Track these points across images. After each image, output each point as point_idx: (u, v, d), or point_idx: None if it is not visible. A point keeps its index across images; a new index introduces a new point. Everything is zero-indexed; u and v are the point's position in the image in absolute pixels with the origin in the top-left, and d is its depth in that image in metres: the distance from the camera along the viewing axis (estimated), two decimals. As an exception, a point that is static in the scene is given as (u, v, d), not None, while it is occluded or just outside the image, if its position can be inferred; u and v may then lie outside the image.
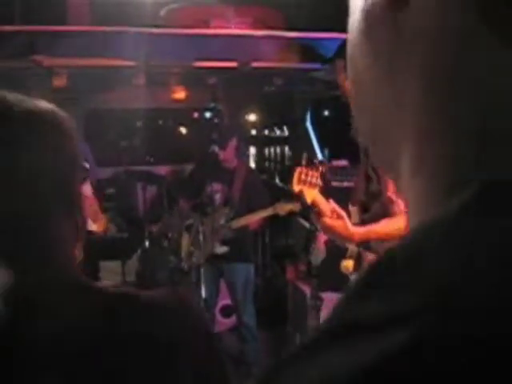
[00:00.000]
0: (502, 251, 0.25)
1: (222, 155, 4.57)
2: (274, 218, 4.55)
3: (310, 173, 2.76)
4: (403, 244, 0.28)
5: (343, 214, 2.67)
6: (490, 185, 0.27)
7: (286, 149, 9.41)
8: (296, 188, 2.77)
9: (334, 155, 5.45)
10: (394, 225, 2.54)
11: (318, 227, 2.77)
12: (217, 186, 4.62)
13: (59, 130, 0.94)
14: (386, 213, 2.63)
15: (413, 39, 0.32)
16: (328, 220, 2.65)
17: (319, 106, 6.32)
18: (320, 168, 2.80)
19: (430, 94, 0.31)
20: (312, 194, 2.74)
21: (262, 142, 9.39)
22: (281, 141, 9.59)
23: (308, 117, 6.36)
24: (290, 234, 5.74)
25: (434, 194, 0.31)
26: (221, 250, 4.48)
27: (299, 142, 6.48)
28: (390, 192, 2.60)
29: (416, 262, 0.26)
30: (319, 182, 2.77)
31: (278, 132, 9.42)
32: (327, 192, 2.86)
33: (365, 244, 2.74)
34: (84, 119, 6.28)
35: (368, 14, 0.34)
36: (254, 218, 4.42)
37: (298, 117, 6.46)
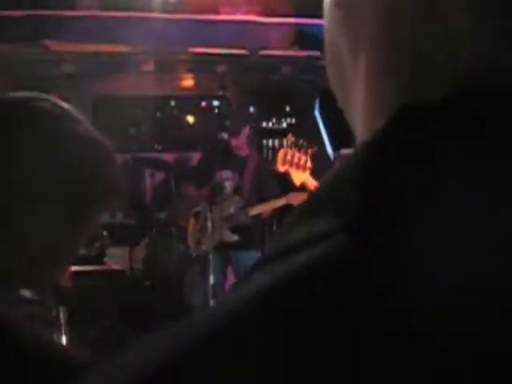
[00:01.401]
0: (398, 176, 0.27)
1: (234, 142, 4.55)
2: (282, 206, 4.54)
3: (297, 155, 2.73)
4: (331, 174, 0.30)
5: None
6: (404, 110, 0.29)
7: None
8: (281, 168, 2.74)
9: (342, 144, 5.43)
10: None
11: None
12: (227, 174, 4.60)
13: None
14: None
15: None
16: None
17: (328, 95, 6.29)
18: (309, 151, 2.77)
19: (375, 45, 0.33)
20: (301, 177, 2.71)
21: (266, 132, 9.37)
22: (282, 131, 9.53)
23: (316, 106, 6.33)
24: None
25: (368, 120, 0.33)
26: (231, 238, 4.48)
27: (305, 131, 6.46)
28: None
29: (335, 189, 0.29)
30: (309, 164, 2.74)
31: (283, 122, 9.37)
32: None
33: None
34: (91, 106, 6.27)
35: None
36: (269, 207, 4.41)
37: (305, 105, 6.43)
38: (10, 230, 0.80)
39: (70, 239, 0.85)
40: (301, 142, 2.85)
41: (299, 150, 2.77)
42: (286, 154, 2.75)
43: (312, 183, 2.72)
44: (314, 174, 2.80)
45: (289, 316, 0.24)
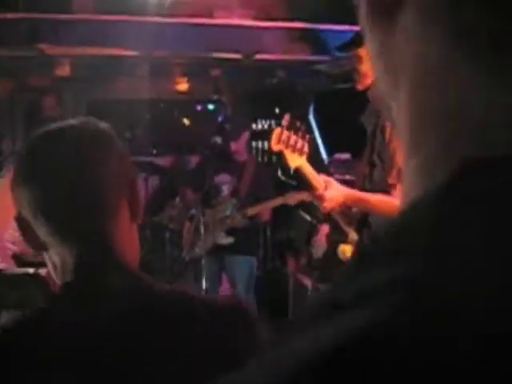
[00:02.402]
0: (477, 234, 0.26)
1: (233, 147, 4.55)
2: (276, 210, 4.54)
3: (294, 137, 2.60)
4: (388, 224, 0.29)
5: (330, 180, 2.59)
6: (472, 162, 0.29)
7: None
8: (275, 147, 2.61)
9: (336, 149, 5.44)
10: (388, 202, 2.48)
11: (319, 203, 2.63)
12: (225, 178, 4.60)
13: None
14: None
15: (403, 41, 0.33)
16: (324, 192, 2.52)
17: (323, 99, 6.30)
18: (307, 136, 2.67)
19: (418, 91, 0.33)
20: (297, 161, 2.58)
21: (259, 134, 9.36)
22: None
23: (311, 110, 6.34)
24: (291, 227, 5.74)
25: (424, 175, 0.33)
26: (225, 240, 4.47)
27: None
28: (393, 178, 2.56)
29: (395, 242, 0.28)
30: (306, 150, 2.62)
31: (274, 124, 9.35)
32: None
33: (366, 232, 2.70)
34: (86, 109, 6.26)
35: (370, 8, 0.36)
36: (266, 207, 4.42)
37: (300, 110, 6.44)
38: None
39: None
40: (298, 124, 2.74)
41: (295, 133, 2.63)
42: (281, 134, 2.61)
43: (309, 170, 2.60)
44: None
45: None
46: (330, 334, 0.24)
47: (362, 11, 0.37)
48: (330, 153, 5.74)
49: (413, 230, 0.28)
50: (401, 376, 0.23)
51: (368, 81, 2.64)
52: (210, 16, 4.79)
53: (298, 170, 2.61)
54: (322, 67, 5.30)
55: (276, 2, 5.15)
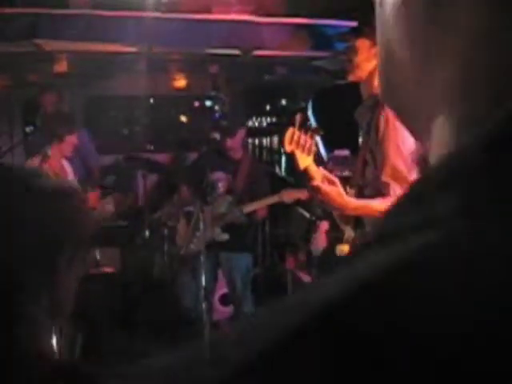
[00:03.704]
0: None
1: (229, 143, 4.53)
2: (275, 207, 4.53)
3: (303, 137, 2.63)
4: (438, 165, 0.30)
5: (336, 180, 2.56)
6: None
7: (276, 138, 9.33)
8: (288, 148, 2.64)
9: (335, 145, 5.42)
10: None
11: (313, 194, 2.62)
12: (220, 175, 4.59)
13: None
14: (379, 196, 2.57)
15: (452, 34, 0.34)
16: (322, 185, 2.51)
17: (322, 95, 6.29)
18: (314, 136, 2.70)
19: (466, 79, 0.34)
20: (306, 160, 2.61)
21: (258, 131, 9.36)
22: (271, 130, 9.50)
23: (310, 106, 6.32)
24: (289, 224, 5.73)
25: (469, 126, 0.33)
26: (221, 237, 4.47)
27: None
28: (386, 176, 2.54)
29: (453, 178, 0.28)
30: (314, 148, 2.65)
31: (270, 121, 9.33)
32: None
33: (361, 229, 2.69)
34: (84, 105, 6.24)
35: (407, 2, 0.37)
36: (262, 204, 4.42)
37: (299, 106, 6.42)
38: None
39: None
40: (308, 123, 2.77)
41: (306, 133, 2.66)
42: (293, 134, 2.64)
43: (314, 170, 2.61)
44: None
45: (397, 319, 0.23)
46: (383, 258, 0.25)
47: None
48: (329, 149, 5.73)
49: (469, 168, 0.28)
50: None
51: (360, 73, 2.64)
52: (209, 12, 4.76)
53: (306, 170, 2.62)
54: (321, 63, 5.28)
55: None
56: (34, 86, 5.40)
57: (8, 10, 3.85)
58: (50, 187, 0.95)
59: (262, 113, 7.17)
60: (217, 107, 6.43)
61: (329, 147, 5.67)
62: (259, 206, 4.43)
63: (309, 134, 2.66)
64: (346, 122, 3.38)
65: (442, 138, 0.35)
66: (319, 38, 4.66)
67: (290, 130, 2.65)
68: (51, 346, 0.97)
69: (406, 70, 0.39)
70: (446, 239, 0.24)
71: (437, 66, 0.36)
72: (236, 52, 4.78)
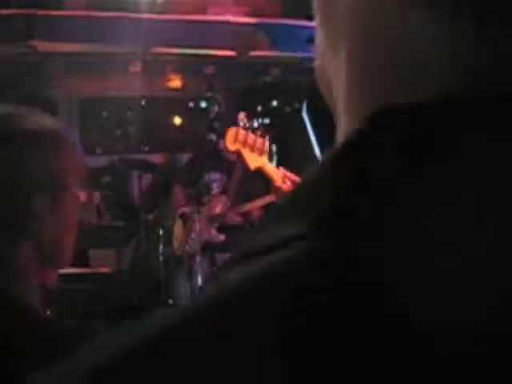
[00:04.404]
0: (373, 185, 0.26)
1: (223, 144, 4.52)
2: (270, 206, 4.54)
3: (252, 136, 2.49)
4: (306, 175, 0.30)
5: (297, 179, 2.43)
6: (375, 119, 0.28)
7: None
8: (231, 147, 2.51)
9: (330, 146, 5.43)
10: None
11: (276, 195, 2.52)
12: (215, 176, 4.60)
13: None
14: None
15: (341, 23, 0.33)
16: (283, 185, 2.40)
17: (316, 96, 6.30)
18: (266, 136, 2.56)
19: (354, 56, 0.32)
20: (258, 161, 2.46)
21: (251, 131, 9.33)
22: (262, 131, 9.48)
23: (305, 107, 6.33)
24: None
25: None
26: (217, 238, 4.47)
27: (293, 131, 6.46)
28: None
29: (310, 190, 0.29)
30: (267, 148, 2.48)
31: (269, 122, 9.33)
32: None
33: None
34: (78, 106, 6.24)
35: None
36: (256, 204, 4.42)
37: (293, 107, 6.43)
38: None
39: None
40: (255, 123, 2.63)
41: (253, 132, 2.51)
42: (237, 133, 2.48)
43: (271, 169, 2.48)
44: (299, 174, 2.62)
45: (249, 325, 0.23)
46: (257, 268, 0.25)
47: None
48: (323, 150, 5.74)
49: (316, 189, 0.28)
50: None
51: None
52: (204, 13, 4.77)
53: (259, 170, 2.49)
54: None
55: (269, 0, 5.15)
56: (29, 87, 5.39)
57: (4, 12, 3.85)
58: (15, 134, 0.94)
59: (254, 113, 7.18)
60: (212, 108, 6.44)
61: (323, 148, 5.69)
62: (254, 207, 4.44)
63: (258, 133, 2.52)
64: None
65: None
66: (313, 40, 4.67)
67: (233, 129, 2.51)
68: (35, 296, 0.95)
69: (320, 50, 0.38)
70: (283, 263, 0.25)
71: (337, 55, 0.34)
72: (231, 53, 4.79)
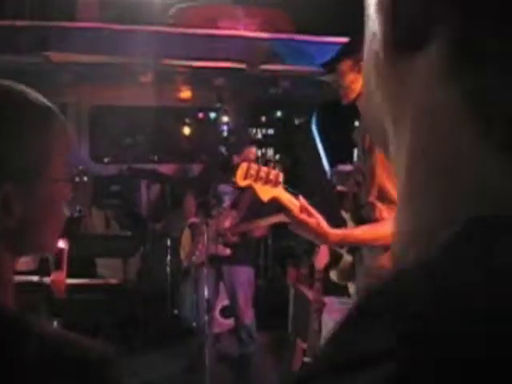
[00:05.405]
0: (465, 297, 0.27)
1: (236, 160, 4.51)
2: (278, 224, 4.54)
3: (264, 169, 2.50)
4: (387, 283, 0.30)
5: (314, 212, 2.45)
6: (473, 224, 0.29)
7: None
8: (242, 183, 2.50)
9: (339, 159, 5.44)
10: (373, 232, 2.41)
11: (292, 224, 2.47)
12: (227, 188, 4.60)
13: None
14: (370, 219, 2.52)
15: (410, 92, 0.33)
16: (300, 215, 2.41)
17: (326, 109, 6.32)
18: (277, 168, 2.51)
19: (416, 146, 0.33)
20: (272, 192, 2.48)
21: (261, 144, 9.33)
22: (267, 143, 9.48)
23: (314, 120, 6.35)
24: (292, 237, 5.74)
25: (421, 236, 0.33)
26: (224, 251, 4.48)
27: (302, 145, 6.47)
28: (372, 197, 2.50)
29: (395, 304, 0.28)
30: (281, 179, 2.49)
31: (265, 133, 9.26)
32: (332, 196, 2.73)
33: (359, 252, 2.65)
34: (89, 115, 6.28)
35: (381, 52, 0.36)
36: (265, 223, 4.40)
37: (303, 120, 6.45)
38: None
39: None
40: (267, 156, 2.59)
41: (265, 165, 2.52)
42: (248, 168, 2.49)
43: (287, 199, 2.48)
44: (308, 188, 2.59)
45: None
46: None
47: (373, 44, 0.37)
48: (332, 164, 5.75)
49: (414, 292, 0.28)
50: None
51: (352, 95, 2.61)
52: (215, 26, 4.80)
53: (273, 201, 2.50)
54: (325, 78, 5.31)
55: (281, 13, 5.17)
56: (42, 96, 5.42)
57: (18, 23, 3.89)
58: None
59: (260, 125, 7.19)
60: (221, 119, 6.46)
61: (332, 162, 5.70)
62: (263, 224, 4.43)
63: (270, 165, 2.52)
64: (349, 136, 3.39)
65: (398, 224, 0.35)
66: (324, 54, 4.70)
67: (243, 165, 2.52)
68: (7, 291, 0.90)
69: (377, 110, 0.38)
70: None
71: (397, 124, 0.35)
72: (242, 66, 4.81)
